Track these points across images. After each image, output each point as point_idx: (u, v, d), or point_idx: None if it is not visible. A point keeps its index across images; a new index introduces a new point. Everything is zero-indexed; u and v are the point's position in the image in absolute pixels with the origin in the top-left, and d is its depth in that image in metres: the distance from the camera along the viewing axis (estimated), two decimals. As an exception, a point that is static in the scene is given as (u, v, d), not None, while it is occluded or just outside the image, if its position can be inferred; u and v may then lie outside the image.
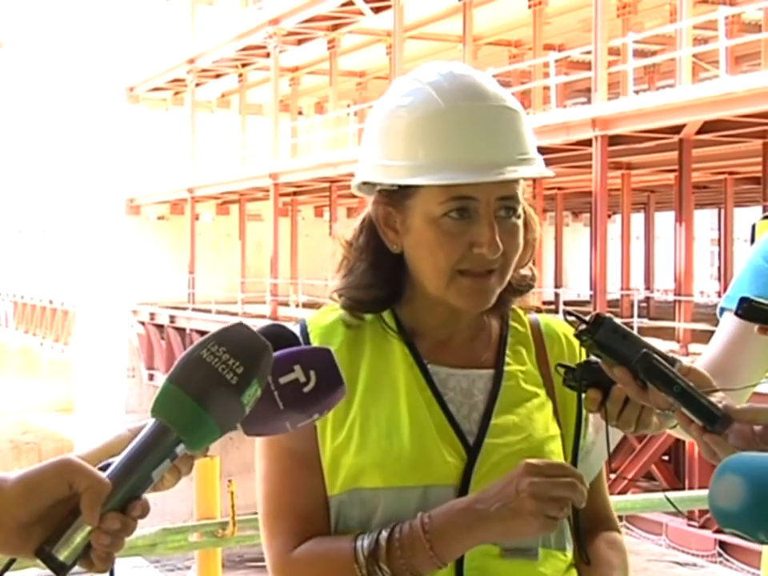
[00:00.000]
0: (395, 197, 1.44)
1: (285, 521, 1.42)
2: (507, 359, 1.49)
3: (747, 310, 1.43)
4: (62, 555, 0.97)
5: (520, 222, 1.43)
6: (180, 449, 1.01)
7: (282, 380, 1.08)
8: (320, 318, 1.50)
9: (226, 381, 1.00)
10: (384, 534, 1.35)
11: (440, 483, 1.40)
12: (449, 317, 1.48)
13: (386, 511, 1.39)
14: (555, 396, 1.49)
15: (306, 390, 1.09)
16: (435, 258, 1.41)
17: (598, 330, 1.32)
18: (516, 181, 1.42)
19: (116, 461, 1.01)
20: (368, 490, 1.40)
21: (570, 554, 1.48)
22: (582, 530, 1.49)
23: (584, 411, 1.48)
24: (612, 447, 1.43)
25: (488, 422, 1.44)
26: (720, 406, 1.29)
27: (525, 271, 1.53)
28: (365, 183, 1.48)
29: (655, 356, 1.30)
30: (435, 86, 1.43)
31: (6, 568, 1.00)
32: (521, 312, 1.56)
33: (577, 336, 1.35)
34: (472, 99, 1.41)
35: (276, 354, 1.07)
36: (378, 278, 1.47)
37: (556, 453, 1.46)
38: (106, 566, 0.98)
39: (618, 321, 1.33)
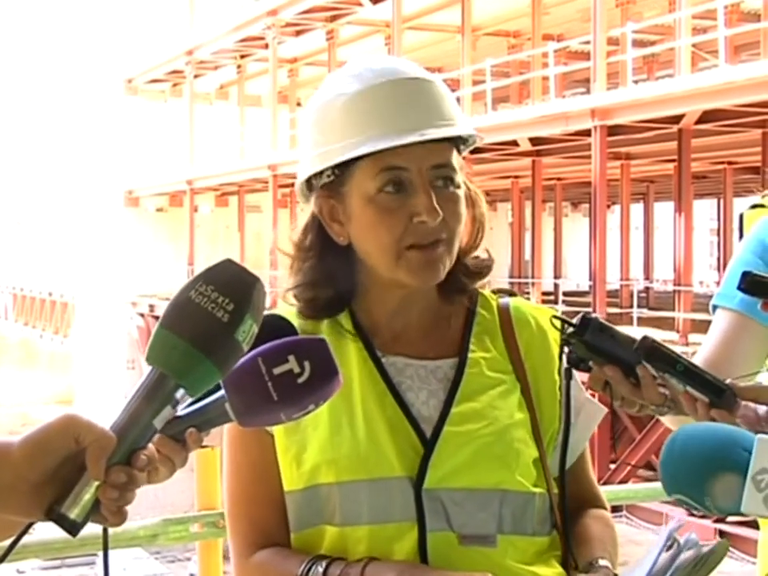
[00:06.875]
0: (333, 187, 1.45)
1: (240, 524, 1.49)
2: (471, 346, 1.48)
3: (750, 283, 1.42)
4: (73, 513, 0.97)
5: (460, 192, 1.44)
6: (180, 394, 1.00)
7: (276, 371, 1.05)
8: None
9: (217, 319, 0.98)
10: (332, 569, 1.36)
11: (392, 475, 1.40)
12: (401, 305, 1.48)
13: (341, 505, 1.41)
14: (528, 381, 1.47)
15: (301, 380, 1.06)
16: (378, 235, 1.42)
17: (586, 332, 1.33)
18: (448, 149, 1.44)
19: (117, 413, 1.00)
20: (324, 486, 1.42)
21: (544, 537, 1.46)
22: (569, 512, 1.48)
23: (573, 396, 1.46)
24: (593, 428, 1.46)
25: (448, 409, 1.43)
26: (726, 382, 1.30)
27: (481, 254, 1.53)
28: (308, 185, 1.49)
29: (654, 339, 1.31)
30: (352, 72, 1.47)
31: (23, 534, 1.00)
32: (490, 297, 1.55)
33: (565, 339, 1.35)
34: (386, 75, 1.43)
35: (270, 344, 1.06)
36: (328, 274, 1.47)
37: (520, 439, 1.44)
38: (118, 519, 0.98)
39: (604, 321, 1.34)
